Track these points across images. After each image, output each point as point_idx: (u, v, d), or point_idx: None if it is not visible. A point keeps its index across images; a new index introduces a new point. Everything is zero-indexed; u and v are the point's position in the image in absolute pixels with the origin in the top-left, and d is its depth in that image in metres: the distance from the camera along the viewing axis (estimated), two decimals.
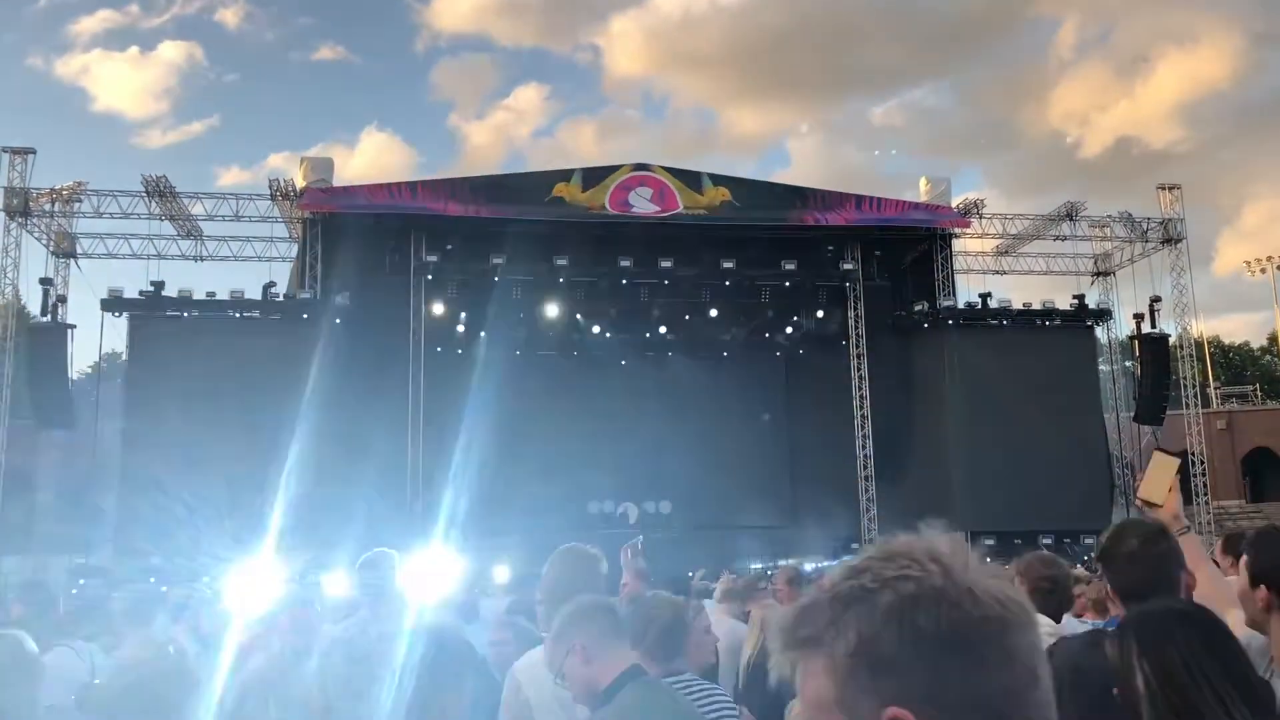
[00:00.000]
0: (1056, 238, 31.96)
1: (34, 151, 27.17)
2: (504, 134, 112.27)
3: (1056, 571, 4.48)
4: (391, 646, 4.59)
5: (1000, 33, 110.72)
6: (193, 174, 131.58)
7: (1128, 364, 34.99)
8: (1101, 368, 32.30)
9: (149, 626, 5.70)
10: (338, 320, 26.71)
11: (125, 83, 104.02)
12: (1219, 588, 2.85)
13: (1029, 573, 4.57)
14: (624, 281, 28.07)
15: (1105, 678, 2.36)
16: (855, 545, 27.06)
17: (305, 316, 26.23)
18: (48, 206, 27.60)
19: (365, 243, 27.84)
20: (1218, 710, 1.91)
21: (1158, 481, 3.07)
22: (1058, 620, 4.35)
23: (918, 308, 29.38)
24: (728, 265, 27.83)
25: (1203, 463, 31.28)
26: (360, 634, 4.72)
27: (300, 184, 27.05)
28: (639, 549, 6.23)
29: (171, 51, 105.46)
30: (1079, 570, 8.56)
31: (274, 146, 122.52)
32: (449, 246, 27.47)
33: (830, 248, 29.38)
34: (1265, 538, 2.61)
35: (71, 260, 28.49)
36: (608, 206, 27.40)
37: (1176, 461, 3.16)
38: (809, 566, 17.32)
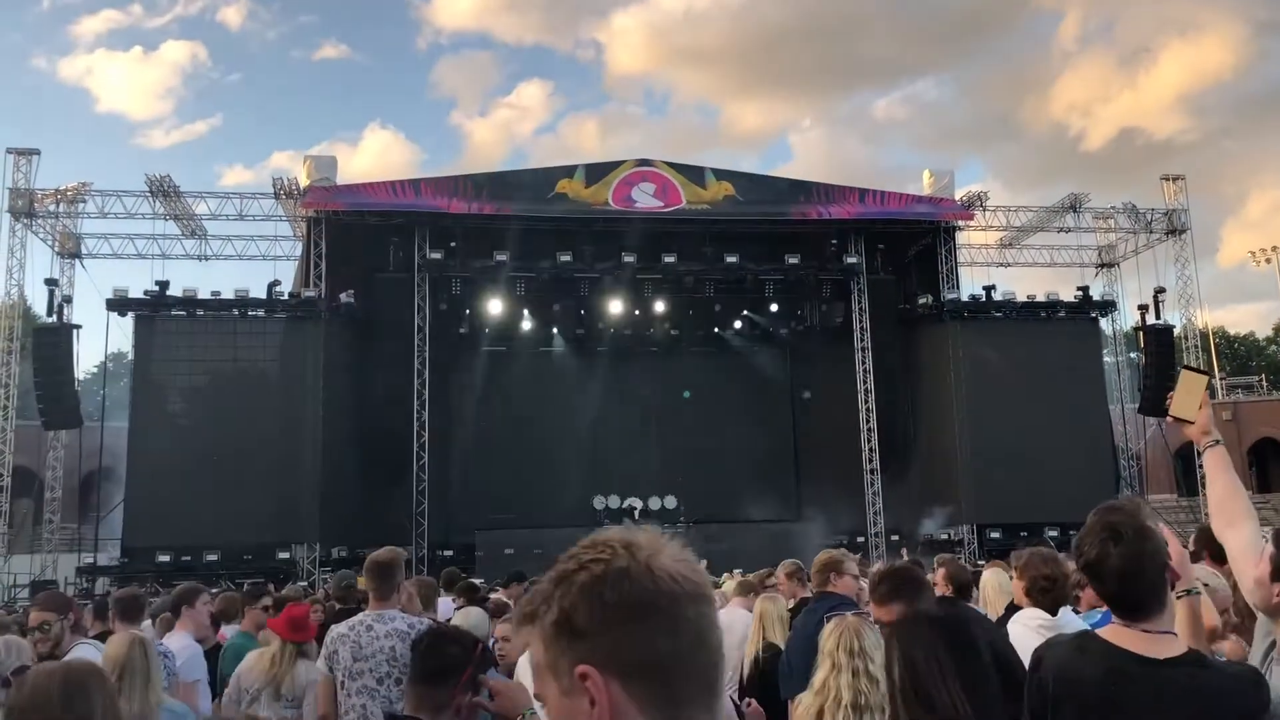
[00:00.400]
0: (1060, 229, 31.95)
1: (38, 152, 27.27)
2: (506, 131, 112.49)
3: (1055, 570, 4.51)
4: (398, 643, 4.63)
5: (1002, 25, 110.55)
6: (196, 173, 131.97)
7: (1132, 355, 34.98)
8: (1106, 359, 32.27)
9: (136, 623, 5.74)
10: (342, 318, 26.79)
11: (128, 83, 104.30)
12: (1238, 500, 2.88)
13: (1028, 570, 4.59)
14: (627, 277, 28.10)
15: (1094, 686, 2.41)
16: (861, 538, 27.13)
17: (310, 314, 26.30)
18: (52, 207, 27.71)
19: (369, 240, 27.93)
20: (944, 696, 2.43)
21: (1188, 398, 3.07)
22: (1054, 614, 4.38)
23: (922, 300, 29.38)
24: (731, 260, 27.83)
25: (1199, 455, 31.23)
26: (366, 631, 4.74)
27: (304, 182, 27.09)
28: None
29: (174, 51, 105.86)
30: None
31: (277, 145, 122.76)
32: (452, 243, 27.51)
33: (834, 241, 29.36)
34: None
35: (76, 261, 28.58)
36: (611, 202, 27.42)
37: (1205, 377, 3.16)
38: None
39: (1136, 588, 2.47)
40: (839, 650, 3.48)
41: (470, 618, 5.17)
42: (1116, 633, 2.50)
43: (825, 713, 3.36)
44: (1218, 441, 3.04)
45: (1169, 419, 3.17)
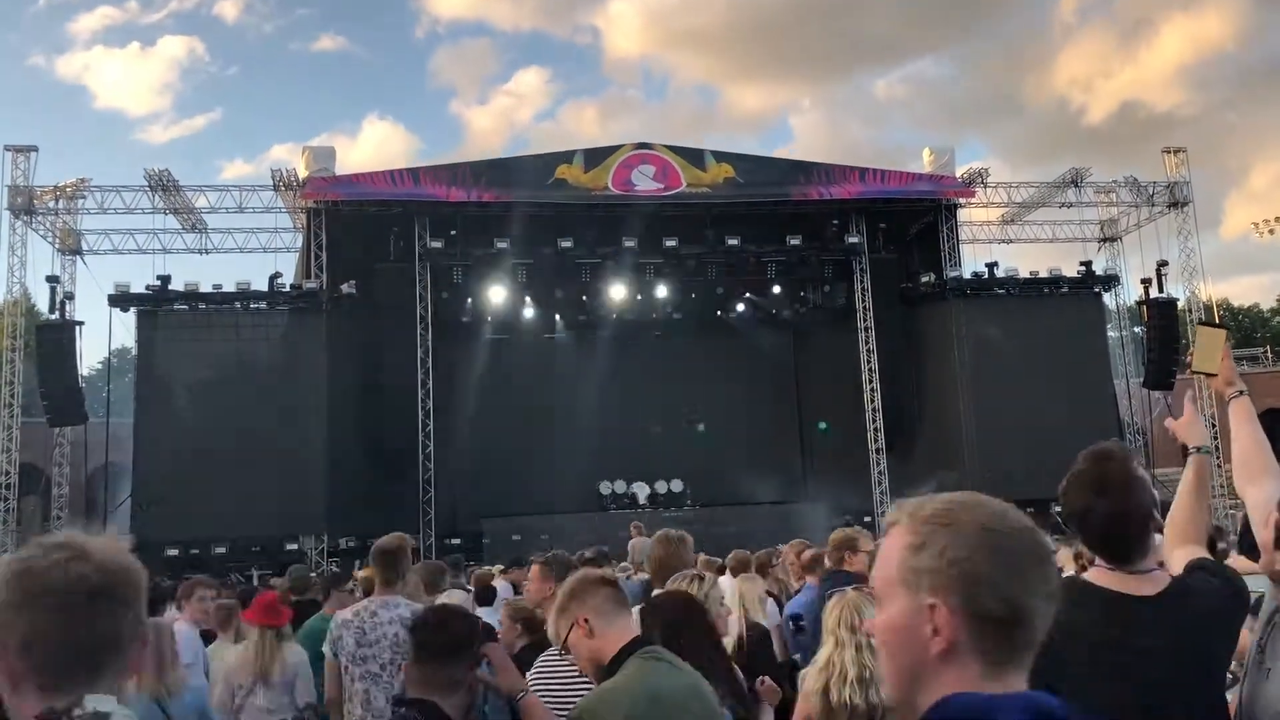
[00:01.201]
0: (1062, 205, 31.79)
1: (36, 149, 27.20)
2: (506, 119, 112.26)
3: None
4: (401, 630, 4.62)
5: (1002, 0, 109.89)
6: (196, 168, 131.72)
7: (1136, 330, 34.87)
8: (1110, 334, 32.18)
9: None
10: (344, 309, 26.78)
11: (126, 79, 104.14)
12: (1260, 454, 2.87)
13: None
14: (629, 261, 28.06)
15: (1096, 631, 2.47)
16: (867, 518, 27.15)
17: (312, 306, 26.31)
18: (52, 204, 27.66)
19: (369, 230, 27.91)
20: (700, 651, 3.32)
21: (1208, 352, 3.10)
22: None
23: (924, 279, 29.29)
24: (732, 242, 27.77)
25: (1214, 426, 31.18)
26: (370, 617, 4.74)
27: (302, 174, 27.05)
28: (641, 528, 6.63)
29: (171, 46, 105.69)
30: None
31: (277, 138, 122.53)
32: (453, 231, 27.49)
33: (835, 221, 29.28)
34: None
35: (77, 257, 28.57)
36: (610, 186, 27.33)
37: (1223, 331, 3.17)
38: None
39: (1122, 539, 2.54)
40: (840, 627, 3.55)
41: (453, 599, 5.19)
42: (1104, 576, 2.56)
43: (831, 688, 3.42)
44: (1242, 392, 3.03)
45: (1191, 374, 3.19)
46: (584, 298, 30.03)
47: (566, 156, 27.78)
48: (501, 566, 11.91)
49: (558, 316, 30.71)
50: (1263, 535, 2.62)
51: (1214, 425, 31.18)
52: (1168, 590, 2.51)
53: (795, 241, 28.14)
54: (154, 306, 26.07)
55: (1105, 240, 32.76)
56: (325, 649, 4.84)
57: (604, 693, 2.83)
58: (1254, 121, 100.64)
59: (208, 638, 6.79)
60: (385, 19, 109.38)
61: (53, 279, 26.75)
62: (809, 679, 3.62)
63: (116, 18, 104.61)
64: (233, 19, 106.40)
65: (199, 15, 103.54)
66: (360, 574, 8.65)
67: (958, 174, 30.04)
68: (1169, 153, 31.70)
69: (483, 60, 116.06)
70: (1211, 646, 2.50)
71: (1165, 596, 2.49)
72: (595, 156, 27.64)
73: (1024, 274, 29.60)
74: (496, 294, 29.07)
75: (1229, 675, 2.78)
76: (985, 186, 30.54)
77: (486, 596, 7.97)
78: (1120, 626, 2.45)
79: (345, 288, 26.63)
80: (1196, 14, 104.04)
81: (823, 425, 31.42)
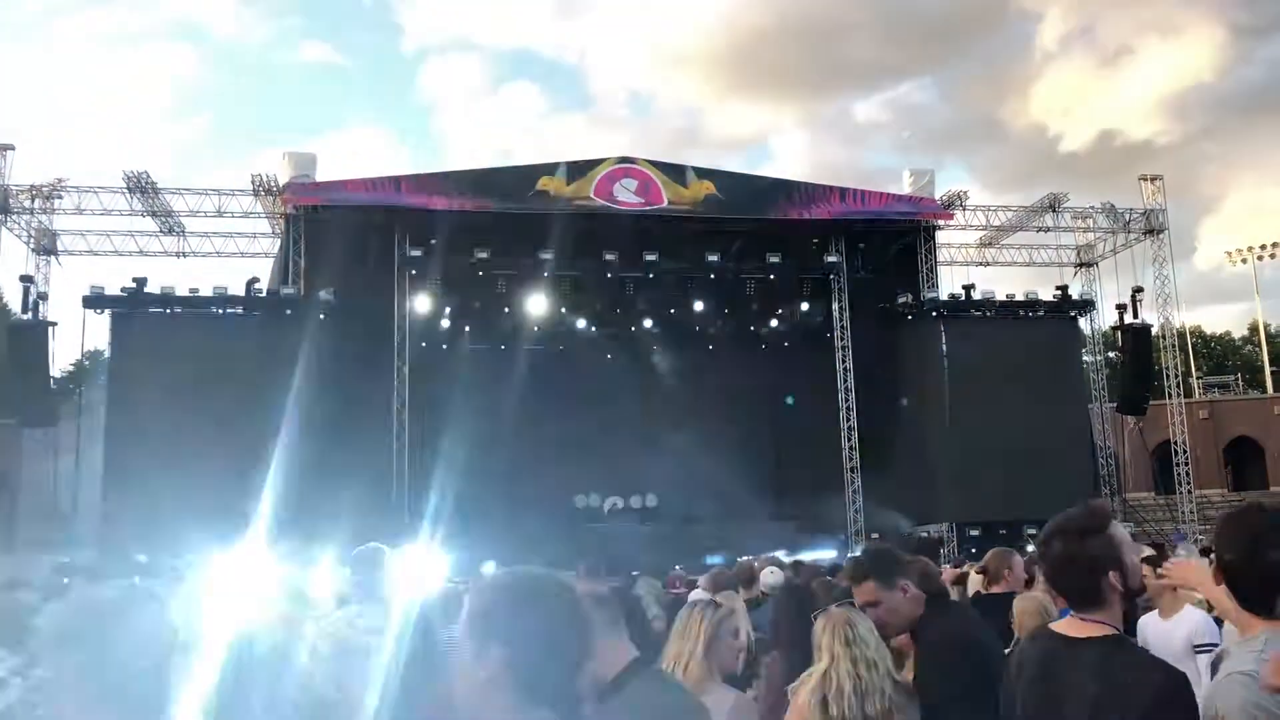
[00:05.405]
0: (1039, 229, 32.05)
1: (13, 148, 26.95)
2: (491, 132, 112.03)
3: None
4: (380, 641, 4.58)
5: (983, 27, 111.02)
6: (182, 175, 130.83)
7: (1110, 354, 35.16)
8: (1085, 358, 32.44)
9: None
10: (322, 316, 26.59)
11: (114, 84, 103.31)
12: None
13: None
14: (609, 275, 28.05)
15: (1034, 665, 2.73)
16: (841, 536, 27.19)
17: (289, 312, 26.12)
18: (27, 203, 27.40)
19: (348, 238, 27.71)
20: None
21: None
22: None
23: (902, 299, 29.42)
24: (712, 258, 27.83)
25: (1185, 452, 31.48)
26: (348, 628, 4.70)
27: (283, 179, 26.89)
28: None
29: (160, 53, 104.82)
30: None
31: (263, 146, 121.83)
32: (433, 241, 27.36)
33: (814, 240, 29.40)
34: None
35: (52, 257, 28.29)
36: (592, 196, 27.30)
37: None
38: (807, 557, 17.12)
39: (1065, 579, 2.74)
40: (836, 643, 3.65)
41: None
42: (1061, 623, 2.78)
43: (830, 703, 3.55)
44: None
45: None
46: (563, 310, 29.99)
47: (549, 168, 27.75)
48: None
49: (536, 328, 30.66)
50: None
51: (1185, 451, 31.49)
52: (1098, 638, 2.61)
53: (775, 259, 28.22)
54: (128, 309, 25.82)
55: (1081, 265, 33.05)
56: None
57: (617, 715, 2.78)
58: (1230, 152, 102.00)
59: None
60: (373, 31, 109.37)
61: (26, 278, 26.48)
62: (802, 692, 3.71)
63: (104, 22, 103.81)
64: (221, 27, 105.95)
65: (188, 22, 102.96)
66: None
67: (937, 196, 30.24)
68: (1145, 180, 32.02)
69: (470, 75, 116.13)
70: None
71: (1091, 642, 2.60)
72: (578, 169, 27.63)
73: (1001, 297, 29.80)
74: (475, 304, 28.98)
75: None
76: (964, 209, 30.76)
77: None
78: (1047, 665, 2.67)
79: (323, 294, 26.46)
80: (1175, 43, 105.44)
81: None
